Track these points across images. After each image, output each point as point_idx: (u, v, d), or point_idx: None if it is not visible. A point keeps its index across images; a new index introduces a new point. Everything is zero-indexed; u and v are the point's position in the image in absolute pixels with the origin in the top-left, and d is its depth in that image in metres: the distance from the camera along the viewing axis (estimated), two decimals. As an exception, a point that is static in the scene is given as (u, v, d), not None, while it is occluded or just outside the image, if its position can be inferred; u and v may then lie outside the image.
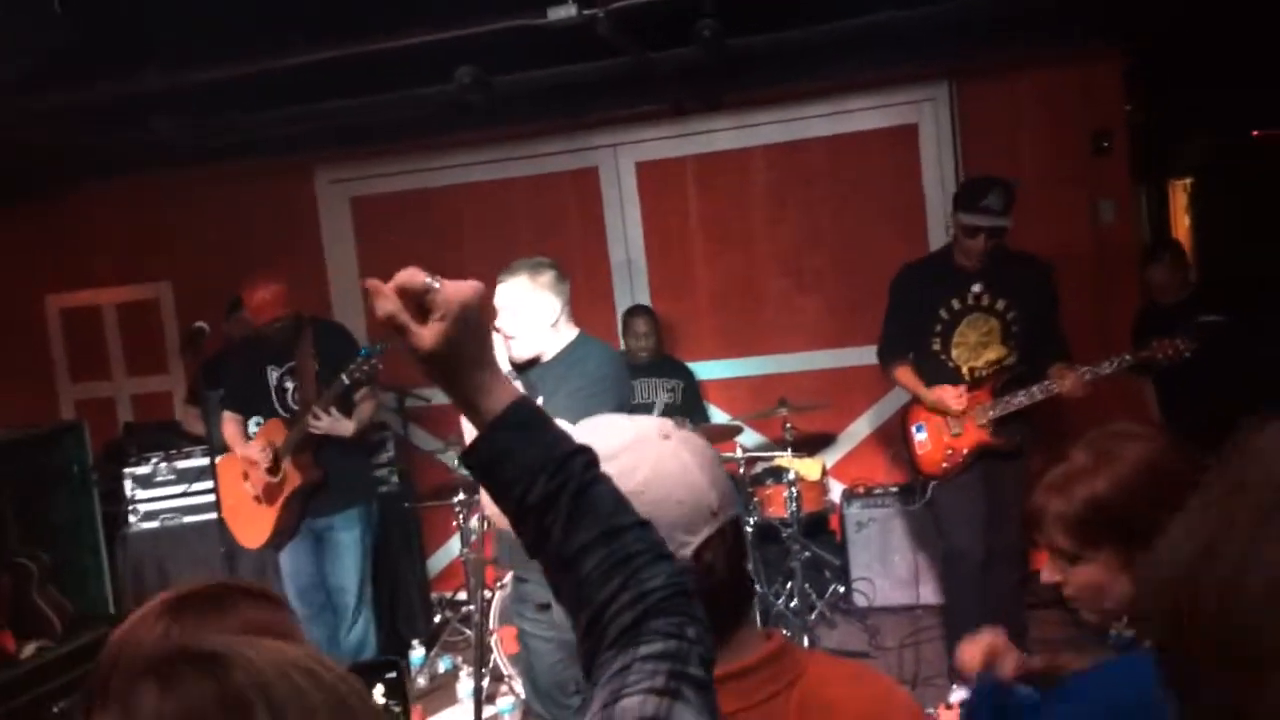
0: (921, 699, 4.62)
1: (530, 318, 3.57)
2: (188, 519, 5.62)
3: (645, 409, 5.51)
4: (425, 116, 5.76)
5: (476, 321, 1.12)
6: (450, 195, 6.61)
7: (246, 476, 4.79)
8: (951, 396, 4.49)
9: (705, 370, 6.33)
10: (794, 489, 5.41)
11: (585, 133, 6.39)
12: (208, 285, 6.02)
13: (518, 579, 3.81)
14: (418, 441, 6.49)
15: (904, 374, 4.68)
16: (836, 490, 6.12)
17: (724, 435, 5.59)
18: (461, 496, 5.53)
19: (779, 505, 5.50)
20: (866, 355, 4.99)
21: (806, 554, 5.56)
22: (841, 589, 5.80)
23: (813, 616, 5.56)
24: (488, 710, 4.56)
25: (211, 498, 4.74)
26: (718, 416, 6.18)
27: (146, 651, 0.77)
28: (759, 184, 6.31)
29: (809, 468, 5.31)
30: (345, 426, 4.69)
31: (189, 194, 6.61)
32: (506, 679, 4.87)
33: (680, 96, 5.99)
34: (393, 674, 1.67)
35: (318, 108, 5.26)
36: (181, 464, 5.68)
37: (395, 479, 5.97)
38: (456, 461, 5.97)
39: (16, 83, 4.17)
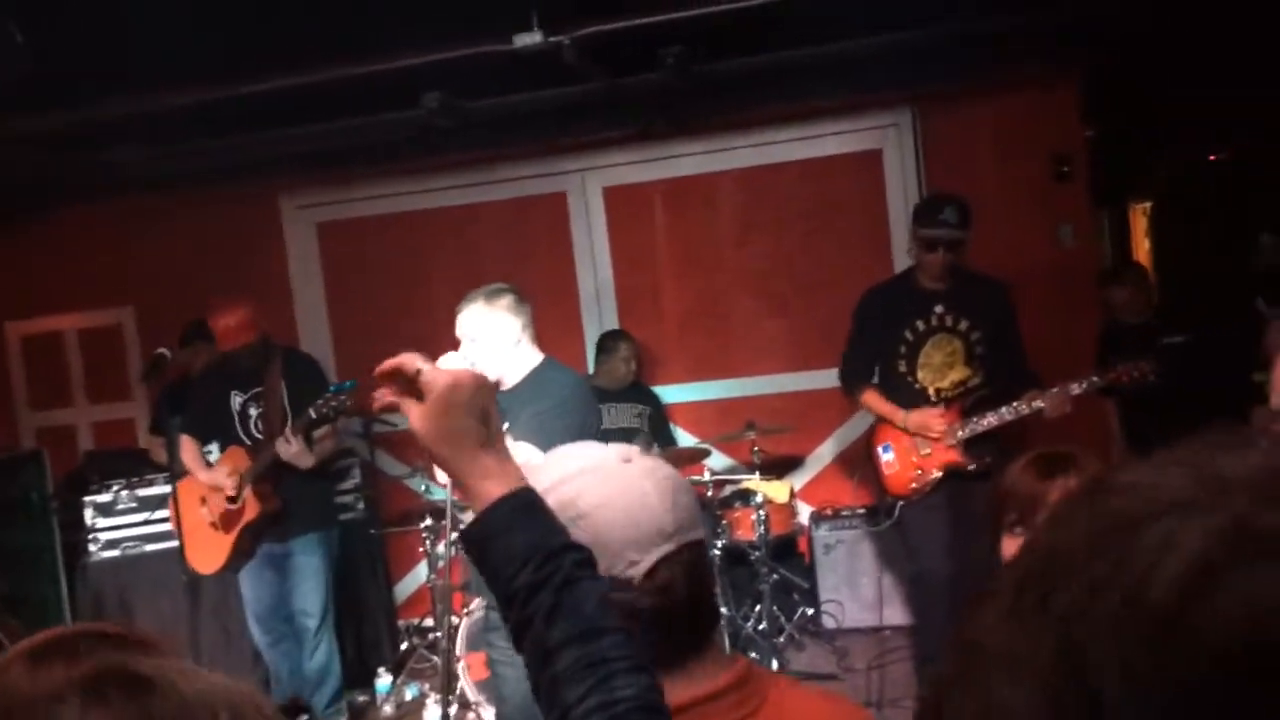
0: (890, 721, 4.64)
1: (490, 340, 3.59)
2: (149, 547, 5.53)
3: (618, 434, 5.50)
4: (392, 141, 5.76)
5: (468, 403, 1.12)
6: (418, 220, 6.59)
7: (204, 501, 4.74)
8: (934, 418, 4.53)
9: (673, 393, 6.33)
10: (762, 511, 5.42)
11: (553, 158, 6.40)
12: (171, 311, 5.96)
13: (490, 608, 3.79)
14: (384, 466, 6.45)
15: (871, 398, 4.71)
16: (805, 512, 6.13)
17: (692, 458, 5.59)
18: (429, 522, 5.49)
19: (747, 528, 5.50)
20: (834, 378, 5.01)
21: (775, 576, 5.56)
22: (810, 611, 5.80)
23: (781, 639, 5.55)
24: (455, 738, 4.51)
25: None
26: (685, 440, 6.18)
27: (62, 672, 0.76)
28: (726, 208, 6.35)
29: (777, 490, 5.32)
30: (306, 460, 4.65)
31: (152, 219, 6.55)
32: (474, 706, 4.83)
33: (648, 122, 6.02)
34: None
35: (284, 133, 5.25)
36: (143, 492, 5.61)
37: (361, 505, 5.91)
38: (424, 486, 5.94)
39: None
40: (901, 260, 5.75)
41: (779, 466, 5.95)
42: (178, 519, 4.57)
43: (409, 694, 5.49)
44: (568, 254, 6.46)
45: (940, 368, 4.62)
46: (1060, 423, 4.34)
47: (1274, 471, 0.50)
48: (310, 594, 4.81)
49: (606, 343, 6.01)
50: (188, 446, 4.84)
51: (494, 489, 1.10)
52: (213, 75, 4.31)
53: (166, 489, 4.95)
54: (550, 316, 3.91)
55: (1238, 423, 1.89)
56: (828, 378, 5.56)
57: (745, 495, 5.59)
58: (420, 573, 6.29)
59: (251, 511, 4.65)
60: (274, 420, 4.68)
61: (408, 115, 5.00)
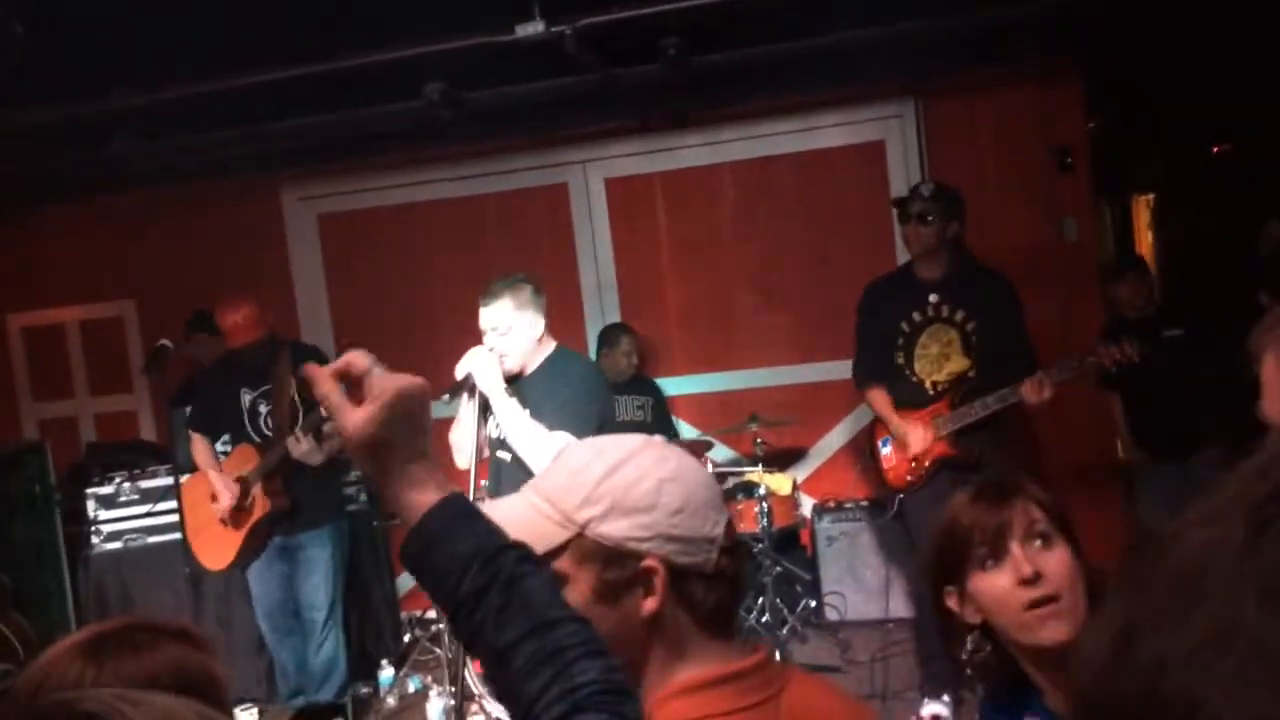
0: (892, 712, 4.63)
1: (519, 336, 3.70)
2: (152, 539, 5.54)
3: (623, 426, 5.50)
4: (394, 133, 5.75)
5: (412, 412, 1.09)
6: (419, 212, 6.58)
7: (215, 498, 4.74)
8: (916, 438, 4.52)
9: (675, 386, 6.33)
10: (765, 504, 5.42)
11: (554, 149, 6.39)
12: (173, 303, 5.96)
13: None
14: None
15: (876, 397, 4.70)
16: (807, 505, 6.13)
17: (695, 451, 5.58)
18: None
19: (750, 520, 5.50)
20: (836, 370, 5.01)
21: (778, 569, 5.56)
22: (813, 603, 5.80)
23: (784, 631, 5.55)
24: (458, 730, 4.52)
25: (176, 518, 4.69)
26: (688, 432, 6.18)
27: (37, 703, 0.76)
28: (728, 200, 6.33)
29: (780, 483, 5.31)
30: (316, 457, 4.65)
31: (153, 211, 6.54)
32: (477, 698, 4.83)
33: (647, 113, 6.01)
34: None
35: (285, 125, 5.24)
36: (145, 484, 5.61)
37: (364, 497, 5.92)
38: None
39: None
40: (904, 253, 5.73)
41: (782, 459, 5.95)
42: (182, 514, 4.58)
43: (412, 686, 5.50)
44: (569, 245, 6.45)
45: (937, 359, 4.60)
46: (1063, 416, 4.32)
47: None
48: (319, 587, 4.81)
49: (608, 336, 6.01)
50: (200, 444, 4.84)
51: (424, 498, 1.08)
52: (214, 67, 4.30)
53: (169, 481, 4.94)
54: (552, 308, 3.91)
55: (1238, 419, 1.83)
56: (831, 370, 5.56)
57: (748, 487, 5.59)
58: (422, 565, 6.28)
59: (261, 509, 4.66)
60: (282, 417, 4.68)
61: (409, 106, 4.99)
